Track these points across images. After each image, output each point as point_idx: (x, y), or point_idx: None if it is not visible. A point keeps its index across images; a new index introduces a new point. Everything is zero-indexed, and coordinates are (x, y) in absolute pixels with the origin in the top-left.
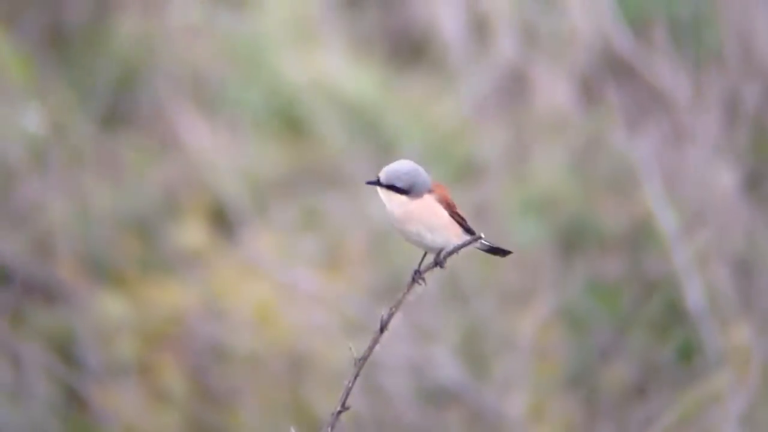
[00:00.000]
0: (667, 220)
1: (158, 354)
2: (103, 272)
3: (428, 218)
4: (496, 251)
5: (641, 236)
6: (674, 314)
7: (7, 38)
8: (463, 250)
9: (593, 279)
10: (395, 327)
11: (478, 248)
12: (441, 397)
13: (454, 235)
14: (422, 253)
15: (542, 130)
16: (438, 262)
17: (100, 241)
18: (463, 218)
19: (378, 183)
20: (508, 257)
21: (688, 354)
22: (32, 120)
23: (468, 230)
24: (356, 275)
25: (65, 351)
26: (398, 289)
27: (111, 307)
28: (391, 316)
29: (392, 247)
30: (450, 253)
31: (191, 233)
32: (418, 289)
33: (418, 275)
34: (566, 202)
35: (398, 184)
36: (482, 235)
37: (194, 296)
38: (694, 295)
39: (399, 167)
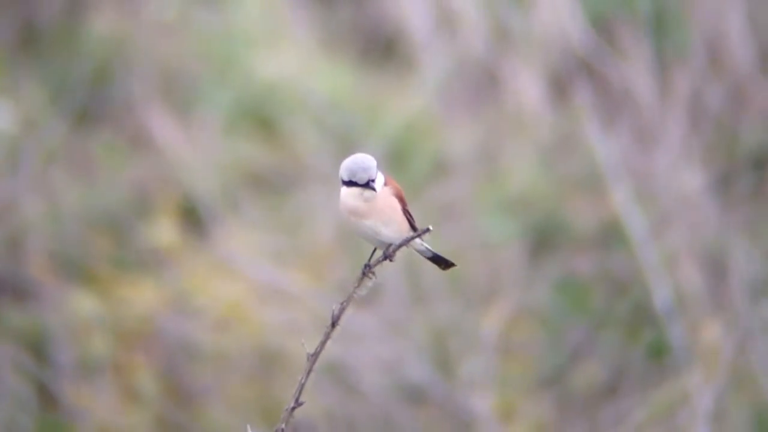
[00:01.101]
0: (635, 221)
1: (130, 352)
2: (75, 270)
3: (386, 212)
4: (439, 261)
5: (611, 235)
6: (644, 313)
7: None
8: (413, 254)
9: (564, 278)
10: (365, 326)
11: (423, 255)
12: (413, 395)
13: (405, 230)
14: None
15: (512, 129)
16: (387, 256)
17: (72, 239)
18: (411, 215)
19: (368, 185)
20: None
21: (659, 353)
22: (4, 117)
23: (413, 227)
24: (327, 272)
25: (37, 349)
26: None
27: (83, 305)
28: (342, 310)
29: (363, 243)
30: (399, 246)
31: (163, 231)
32: (368, 283)
33: (368, 269)
34: (537, 200)
35: (374, 178)
36: (430, 227)
37: (166, 294)
38: (662, 294)
39: (366, 161)
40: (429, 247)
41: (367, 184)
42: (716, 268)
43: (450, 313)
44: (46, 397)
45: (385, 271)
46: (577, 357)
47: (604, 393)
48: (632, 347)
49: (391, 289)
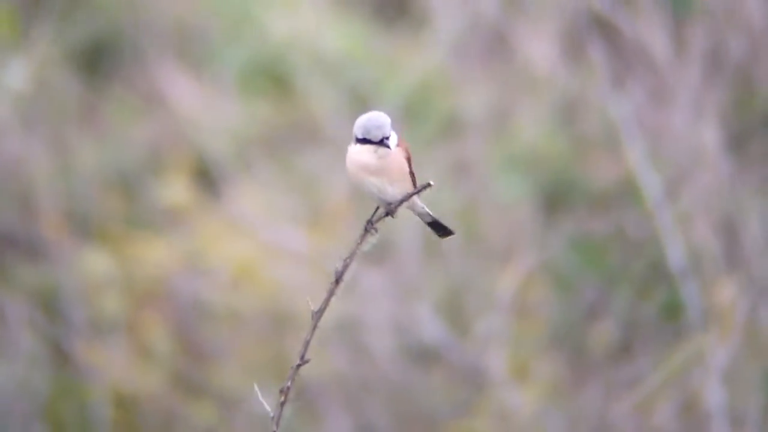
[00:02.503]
0: (649, 180)
1: (143, 311)
2: (87, 229)
3: (396, 171)
4: (438, 227)
5: (625, 194)
6: (658, 273)
7: None
8: (411, 218)
9: (577, 237)
10: (377, 286)
11: (423, 219)
12: (426, 355)
13: (408, 190)
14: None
15: (526, 87)
16: (389, 212)
17: (84, 198)
18: (414, 176)
19: (382, 143)
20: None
21: (673, 313)
22: (16, 76)
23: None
24: (340, 232)
25: (50, 307)
26: (382, 245)
27: (95, 264)
28: (345, 267)
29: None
30: (401, 202)
31: (175, 190)
32: (371, 239)
33: (370, 225)
34: (550, 159)
35: (388, 136)
36: (431, 183)
37: (178, 254)
38: (676, 254)
39: (381, 119)
40: (429, 211)
41: (381, 142)
42: (731, 228)
43: (463, 271)
44: (60, 356)
45: (399, 229)
46: (591, 316)
47: (618, 352)
48: (646, 307)
49: (404, 248)
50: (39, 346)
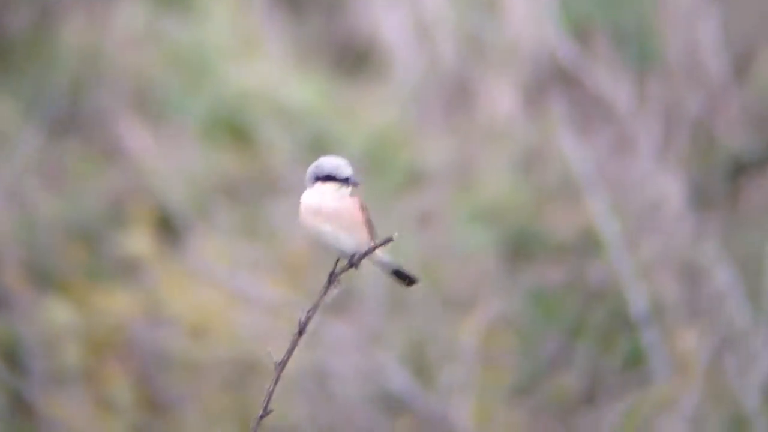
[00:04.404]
0: (609, 230)
1: (104, 361)
2: (49, 279)
3: (350, 218)
4: (402, 276)
5: (587, 244)
6: (621, 322)
7: None
8: (373, 269)
9: (539, 287)
10: (343, 335)
11: (385, 269)
12: (391, 404)
13: (365, 242)
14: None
15: (487, 139)
16: (353, 264)
17: (45, 249)
18: (372, 227)
19: (347, 181)
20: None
21: (635, 362)
22: None
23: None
24: (302, 281)
25: (11, 358)
26: (346, 295)
27: (57, 314)
28: (308, 319)
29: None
30: (364, 255)
31: (137, 240)
32: (334, 291)
33: (333, 277)
34: (512, 210)
35: (351, 177)
36: (394, 236)
37: (140, 303)
38: (637, 302)
39: (341, 160)
40: (390, 261)
41: (347, 180)
42: (692, 277)
43: (427, 321)
44: (20, 406)
45: (363, 279)
46: (553, 366)
47: (581, 402)
48: (608, 356)
49: (368, 298)
50: (1, 397)
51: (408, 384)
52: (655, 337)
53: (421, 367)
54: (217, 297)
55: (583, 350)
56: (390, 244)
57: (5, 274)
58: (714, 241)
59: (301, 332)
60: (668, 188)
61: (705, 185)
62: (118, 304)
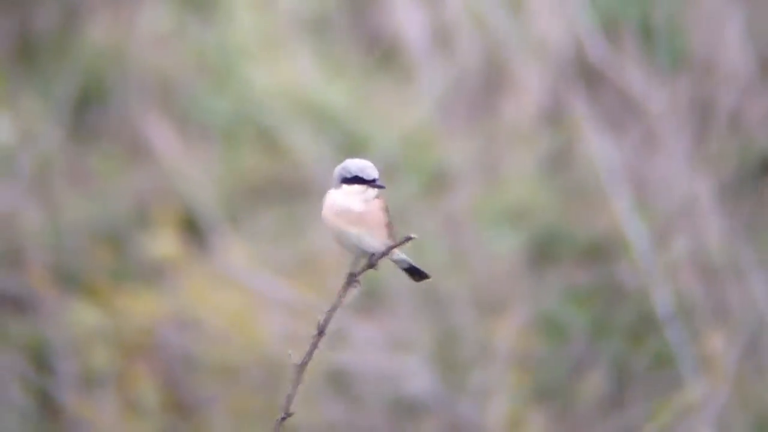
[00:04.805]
0: (636, 230)
1: (132, 364)
2: (76, 282)
3: (375, 221)
4: (414, 272)
5: (613, 245)
6: (648, 323)
7: None
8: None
9: (567, 288)
10: (370, 337)
11: (399, 265)
12: (416, 408)
13: (386, 242)
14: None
15: (513, 139)
16: (372, 264)
17: (72, 251)
18: (393, 228)
19: (374, 183)
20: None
21: (662, 362)
22: (2, 129)
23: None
24: (328, 282)
25: (40, 361)
26: (371, 295)
27: (84, 317)
28: (328, 319)
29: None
30: (383, 255)
31: (163, 242)
32: (354, 291)
33: (352, 278)
34: (539, 211)
35: (377, 180)
36: (413, 235)
37: (167, 306)
38: (664, 304)
39: (367, 162)
40: (406, 257)
41: (373, 182)
42: (720, 277)
43: (456, 322)
44: (49, 409)
45: (389, 279)
46: (581, 367)
47: (609, 403)
48: (636, 357)
49: (396, 300)
50: (28, 399)
51: (435, 387)
52: (683, 339)
53: (448, 369)
54: (244, 299)
55: (610, 351)
56: (410, 243)
57: (32, 276)
58: (741, 241)
59: (320, 333)
60: (697, 187)
61: (732, 184)
62: (144, 306)
